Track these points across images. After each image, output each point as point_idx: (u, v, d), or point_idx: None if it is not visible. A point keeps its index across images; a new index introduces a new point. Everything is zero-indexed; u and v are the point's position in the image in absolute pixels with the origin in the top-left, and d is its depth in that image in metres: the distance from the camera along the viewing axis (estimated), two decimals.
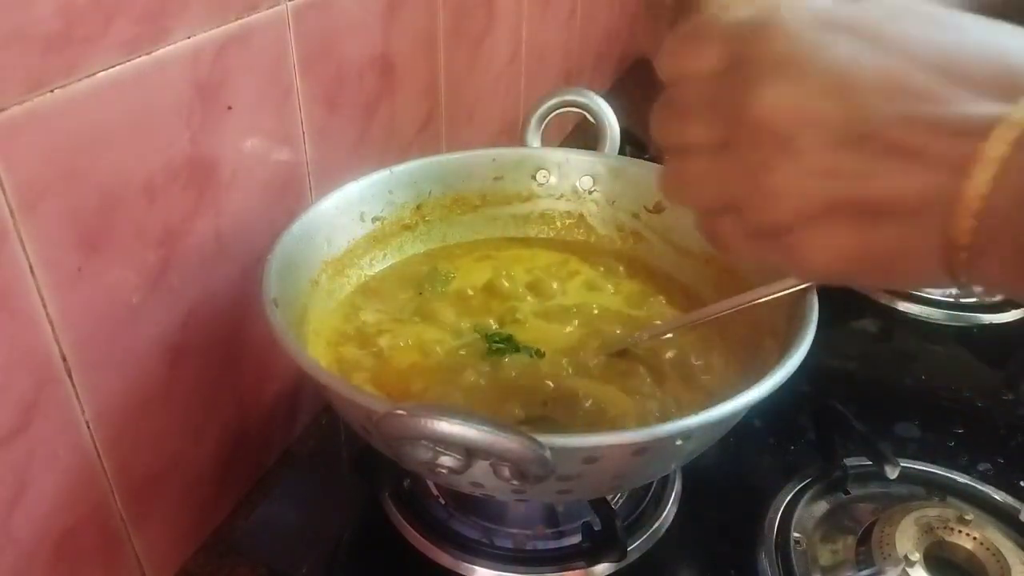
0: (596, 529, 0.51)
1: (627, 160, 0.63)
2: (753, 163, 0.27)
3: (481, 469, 0.35)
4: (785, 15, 0.27)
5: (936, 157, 0.24)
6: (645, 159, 0.64)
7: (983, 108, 0.23)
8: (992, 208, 0.23)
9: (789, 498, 0.56)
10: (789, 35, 0.26)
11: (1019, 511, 0.55)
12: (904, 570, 0.49)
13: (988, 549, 0.50)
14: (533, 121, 0.64)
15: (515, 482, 0.35)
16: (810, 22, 0.26)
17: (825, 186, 0.26)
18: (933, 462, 0.59)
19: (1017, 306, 0.77)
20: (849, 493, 0.57)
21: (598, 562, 0.50)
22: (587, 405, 0.48)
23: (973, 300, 0.78)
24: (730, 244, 0.30)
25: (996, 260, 0.24)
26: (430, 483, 0.55)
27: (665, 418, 0.46)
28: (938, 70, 0.24)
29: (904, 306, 0.78)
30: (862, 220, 0.26)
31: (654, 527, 0.53)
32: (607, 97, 0.62)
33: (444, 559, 0.51)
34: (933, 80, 0.24)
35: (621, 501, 0.54)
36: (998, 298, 0.79)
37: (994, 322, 0.76)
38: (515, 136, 0.65)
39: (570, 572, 0.50)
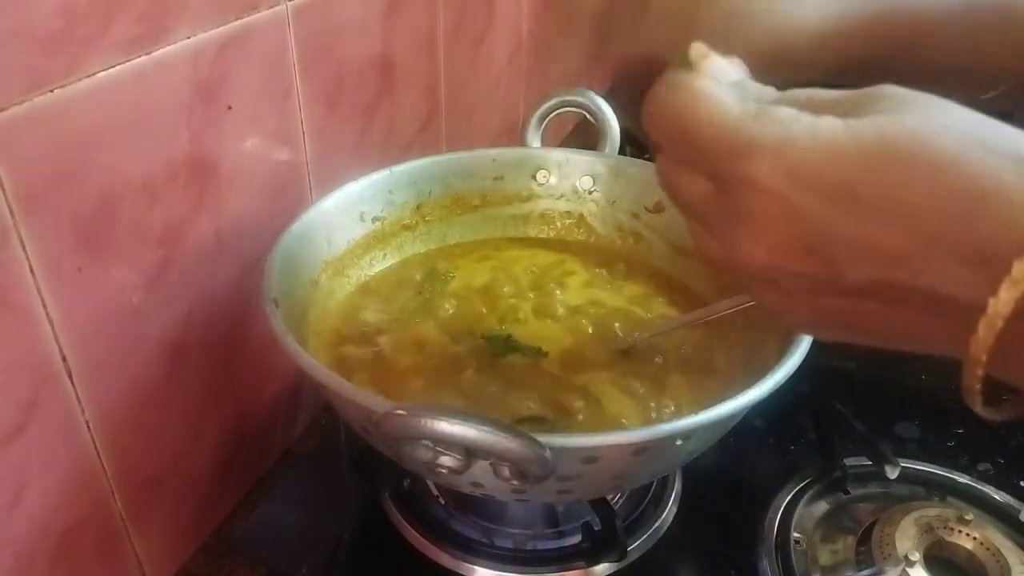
0: (596, 529, 0.51)
1: (627, 160, 0.63)
2: (744, 281, 0.29)
3: (481, 469, 0.35)
4: (764, 162, 0.26)
5: (926, 309, 0.25)
6: (645, 159, 0.64)
7: (957, 285, 0.23)
8: (993, 363, 0.24)
9: (789, 498, 0.56)
10: (761, 193, 0.26)
11: (1019, 511, 0.55)
12: (904, 570, 0.49)
13: (988, 549, 0.50)
14: (533, 121, 0.64)
15: (515, 482, 0.35)
16: (781, 175, 0.25)
17: (818, 317, 0.28)
18: (933, 462, 0.59)
19: None
20: (849, 493, 0.57)
21: (598, 562, 0.50)
22: (587, 405, 0.48)
23: None
24: (704, 256, 0.31)
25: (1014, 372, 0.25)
26: (430, 483, 0.55)
27: (665, 418, 0.46)
28: (915, 234, 0.24)
29: None
30: (859, 337, 0.28)
31: (654, 527, 0.53)
32: (607, 97, 0.62)
33: (444, 559, 0.51)
34: (910, 247, 0.24)
35: (621, 501, 0.54)
36: None
37: None
38: (515, 136, 0.65)
39: (570, 572, 0.50)
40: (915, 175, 0.23)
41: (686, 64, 0.29)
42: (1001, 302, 0.22)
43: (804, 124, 0.26)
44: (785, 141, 0.25)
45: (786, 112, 0.26)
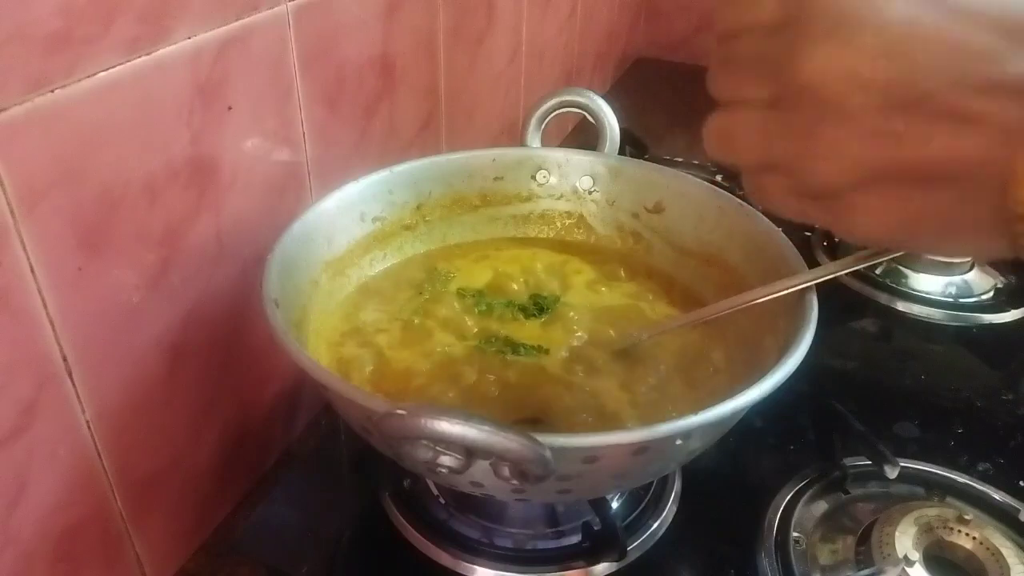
0: (596, 529, 0.51)
1: (627, 160, 0.63)
2: (802, 124, 0.26)
3: (481, 469, 0.35)
4: None
5: (992, 122, 0.23)
6: (645, 159, 0.64)
7: None
8: None
9: (789, 498, 0.56)
10: None
11: (1019, 511, 0.55)
12: (903, 570, 0.49)
13: (988, 549, 0.50)
14: (533, 121, 0.64)
15: (515, 482, 0.35)
16: None
17: (875, 151, 0.25)
18: (933, 462, 0.59)
19: (1017, 306, 0.77)
20: (849, 493, 0.57)
21: (598, 562, 0.50)
22: (587, 405, 0.48)
23: (973, 300, 0.79)
24: (775, 202, 0.30)
25: None
26: (430, 483, 0.55)
27: (665, 418, 0.46)
28: (1001, 30, 0.23)
29: (904, 306, 0.78)
30: (913, 187, 0.25)
31: (654, 527, 0.53)
32: (607, 97, 0.62)
33: (444, 559, 0.51)
34: (995, 41, 0.23)
35: (621, 501, 0.54)
36: (993, 291, 0.79)
37: (994, 322, 0.76)
38: (515, 136, 0.65)
39: (570, 572, 0.50)
40: None
41: None
42: None
43: None
44: None
45: None
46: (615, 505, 0.53)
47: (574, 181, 0.63)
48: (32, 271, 0.38)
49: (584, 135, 0.67)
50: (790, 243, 0.51)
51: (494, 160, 0.62)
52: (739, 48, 0.29)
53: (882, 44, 0.24)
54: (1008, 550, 0.50)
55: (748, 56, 0.28)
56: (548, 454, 0.33)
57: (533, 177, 0.63)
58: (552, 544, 0.53)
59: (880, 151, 0.25)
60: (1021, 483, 0.59)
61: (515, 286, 0.58)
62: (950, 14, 0.24)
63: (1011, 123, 0.23)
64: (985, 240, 0.25)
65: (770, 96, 0.27)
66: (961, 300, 0.78)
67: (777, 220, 0.53)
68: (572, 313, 0.56)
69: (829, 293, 0.45)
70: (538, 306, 0.56)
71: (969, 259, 0.79)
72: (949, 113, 0.24)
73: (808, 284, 0.45)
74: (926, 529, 0.51)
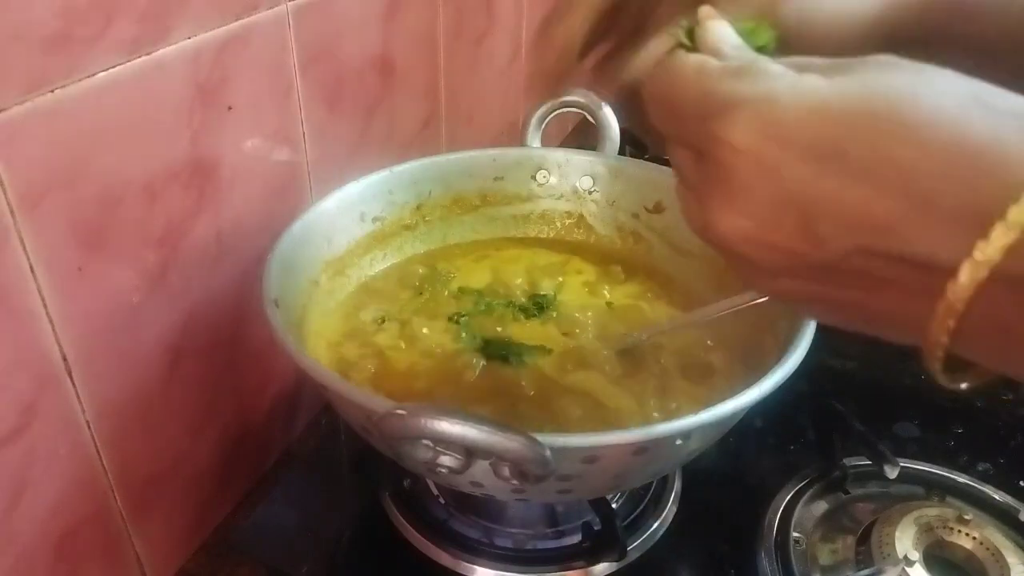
0: (596, 529, 0.51)
1: (627, 160, 0.63)
2: (723, 256, 0.27)
3: (481, 469, 0.35)
4: (740, 119, 0.24)
5: (902, 285, 0.23)
6: (645, 159, 0.64)
7: (946, 248, 0.21)
8: (967, 333, 0.22)
9: (789, 498, 0.56)
10: (734, 152, 0.24)
11: (1019, 511, 0.55)
12: (903, 570, 0.49)
13: (988, 549, 0.50)
14: (533, 121, 0.64)
15: (515, 482, 0.35)
16: (755, 132, 0.24)
17: (794, 293, 0.26)
18: (933, 462, 0.59)
19: None
20: (849, 493, 0.57)
21: (598, 562, 0.50)
22: (586, 405, 0.48)
23: None
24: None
25: (980, 354, 0.24)
26: (430, 483, 0.55)
27: (665, 418, 0.46)
28: (903, 194, 0.22)
29: None
30: (834, 315, 0.26)
31: (654, 527, 0.53)
32: (607, 97, 0.62)
33: (444, 559, 0.51)
34: (897, 208, 0.22)
35: (621, 501, 0.54)
36: None
37: None
38: (515, 136, 0.65)
39: (570, 572, 0.50)
40: (906, 132, 0.22)
41: (684, 37, 0.29)
42: (991, 247, 0.20)
43: (787, 81, 0.24)
44: (764, 97, 0.24)
45: (770, 67, 0.25)
46: (615, 505, 0.53)
47: (574, 181, 0.63)
48: (32, 271, 0.38)
49: (584, 135, 0.67)
50: None
51: (494, 160, 0.62)
52: (671, 149, 0.29)
53: (785, 213, 0.24)
54: (1008, 550, 0.50)
55: (683, 175, 0.28)
56: (548, 454, 0.33)
57: (533, 177, 0.63)
58: (552, 544, 0.53)
59: (803, 292, 0.26)
60: (1021, 483, 0.59)
61: (515, 286, 0.58)
62: (849, 174, 0.23)
63: (920, 289, 0.22)
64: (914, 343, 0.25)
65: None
66: None
67: None
68: (572, 313, 0.56)
69: None
70: (538, 306, 0.56)
71: None
72: (856, 272, 0.23)
73: None
74: (926, 529, 0.51)
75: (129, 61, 0.40)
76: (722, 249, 0.26)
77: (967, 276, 0.21)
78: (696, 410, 0.37)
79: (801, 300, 0.26)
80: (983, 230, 0.20)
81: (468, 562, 0.51)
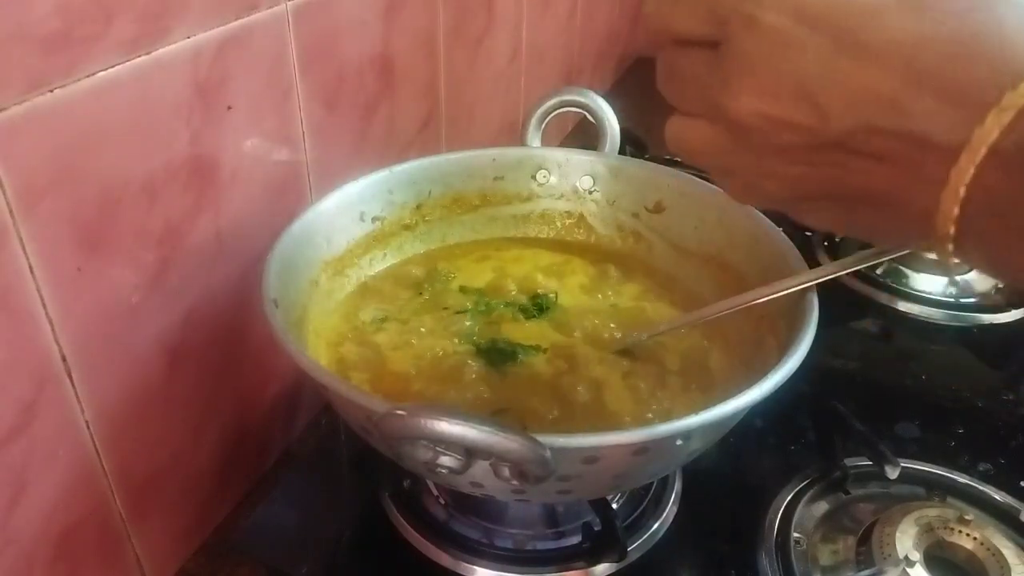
0: (596, 529, 0.51)
1: (627, 160, 0.63)
2: (744, 148, 0.29)
3: (481, 469, 0.35)
4: (767, 4, 0.26)
5: (900, 161, 0.25)
6: (645, 159, 0.64)
7: (946, 125, 0.23)
8: (967, 215, 0.24)
9: (789, 498, 0.56)
10: (764, 31, 0.26)
11: (1019, 511, 0.55)
12: (904, 570, 0.49)
13: (988, 549, 0.50)
14: (533, 121, 0.64)
15: (515, 482, 0.35)
16: (788, 12, 0.26)
17: (803, 179, 0.28)
18: (933, 462, 0.59)
19: (1017, 306, 0.77)
20: (849, 493, 0.57)
21: (598, 562, 0.50)
22: (587, 405, 0.48)
23: (974, 300, 0.78)
24: (738, 197, 0.32)
25: (978, 247, 0.25)
26: (430, 483, 0.55)
27: (665, 418, 0.46)
28: (908, 75, 0.24)
29: (904, 306, 0.78)
30: (844, 205, 0.28)
31: (654, 527, 0.53)
32: (607, 97, 0.62)
33: (444, 559, 0.51)
34: (900, 88, 0.24)
35: (621, 501, 0.54)
36: (993, 291, 0.79)
37: (994, 322, 0.76)
38: (515, 136, 0.65)
39: (570, 572, 0.50)
40: (917, 20, 0.24)
41: None
42: (986, 130, 0.22)
43: None
44: None
45: None
46: (615, 505, 0.53)
47: (574, 181, 0.63)
48: (31, 271, 0.38)
49: (584, 135, 0.67)
50: (790, 243, 0.51)
51: (494, 160, 0.62)
52: (680, 65, 0.30)
53: (796, 90, 0.26)
54: (1009, 550, 0.50)
55: (688, 75, 0.30)
56: (548, 454, 0.33)
57: (533, 177, 0.63)
58: (552, 545, 0.52)
59: (811, 178, 0.28)
60: (1022, 483, 0.59)
61: (515, 286, 0.58)
62: (860, 57, 0.25)
63: (916, 164, 0.24)
64: (917, 244, 0.27)
65: (715, 115, 0.29)
66: (962, 300, 0.78)
67: (778, 220, 0.53)
68: (572, 313, 0.56)
69: (829, 293, 0.45)
70: (538, 306, 0.56)
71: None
72: (861, 151, 0.26)
73: (808, 284, 0.45)
74: (927, 529, 0.51)
75: (128, 61, 0.40)
76: (739, 125, 0.28)
77: (966, 157, 0.23)
78: (696, 410, 0.37)
79: (804, 190, 0.28)
80: (981, 111, 0.22)
81: (468, 563, 0.51)
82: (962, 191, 0.23)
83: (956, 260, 0.26)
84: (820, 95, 0.25)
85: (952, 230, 0.24)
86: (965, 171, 0.23)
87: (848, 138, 0.25)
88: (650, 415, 0.47)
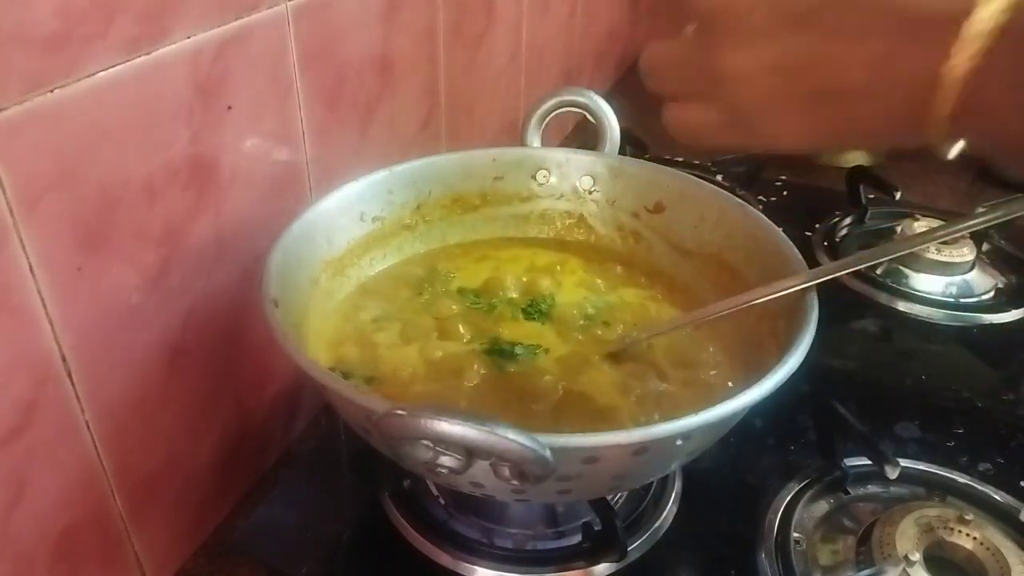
0: (596, 529, 0.51)
1: (627, 160, 0.63)
2: (719, 51, 0.29)
3: (481, 469, 0.35)
4: None
5: (879, 38, 0.24)
6: (645, 159, 0.64)
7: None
8: (970, 88, 0.23)
9: (789, 498, 0.56)
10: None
11: (1019, 511, 0.55)
12: (904, 570, 0.49)
13: (988, 549, 0.50)
14: (533, 121, 0.64)
15: (515, 482, 0.35)
16: None
17: (783, 69, 0.27)
18: (933, 462, 0.59)
19: (1017, 306, 0.77)
20: (849, 493, 0.57)
21: (598, 562, 0.50)
22: (586, 405, 0.47)
23: (973, 300, 0.78)
24: (695, 131, 0.32)
25: (985, 121, 0.24)
26: (430, 483, 0.55)
27: (665, 418, 0.46)
28: None
29: (904, 306, 0.78)
30: (823, 101, 0.27)
31: (654, 527, 0.53)
32: (607, 97, 0.62)
33: (444, 559, 0.51)
34: None
35: (621, 501, 0.54)
36: (993, 291, 0.79)
37: (994, 322, 0.76)
38: (515, 136, 0.65)
39: (570, 572, 0.50)
40: None
41: None
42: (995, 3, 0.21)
43: None
44: None
45: None
46: (615, 505, 0.53)
47: (574, 181, 0.63)
48: (32, 271, 0.38)
49: (584, 135, 0.67)
50: (790, 243, 0.51)
51: (494, 160, 0.62)
52: (662, 54, 0.32)
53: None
54: (1009, 550, 0.50)
55: (676, 60, 0.31)
56: (548, 454, 0.33)
57: (533, 177, 0.63)
58: (552, 544, 0.52)
59: (787, 69, 0.27)
60: (1022, 483, 0.59)
61: (515, 286, 0.58)
62: None
63: (894, 42, 0.24)
64: (901, 139, 0.26)
65: (693, 31, 0.30)
66: (961, 300, 0.78)
67: (778, 220, 0.53)
68: (571, 313, 0.56)
69: (829, 293, 0.45)
70: (537, 306, 0.56)
71: (969, 258, 0.79)
72: (838, 30, 0.25)
73: (808, 284, 0.45)
74: (927, 529, 0.51)
75: (128, 61, 0.40)
76: (719, 19, 0.28)
77: (972, 28, 0.22)
78: (696, 410, 0.37)
79: (777, 72, 0.27)
80: None
81: (468, 563, 0.51)
82: (965, 64, 0.22)
83: (944, 143, 0.25)
84: None
85: (950, 109, 0.23)
86: (971, 43, 0.21)
87: (825, 12, 0.25)
88: (650, 415, 0.47)
